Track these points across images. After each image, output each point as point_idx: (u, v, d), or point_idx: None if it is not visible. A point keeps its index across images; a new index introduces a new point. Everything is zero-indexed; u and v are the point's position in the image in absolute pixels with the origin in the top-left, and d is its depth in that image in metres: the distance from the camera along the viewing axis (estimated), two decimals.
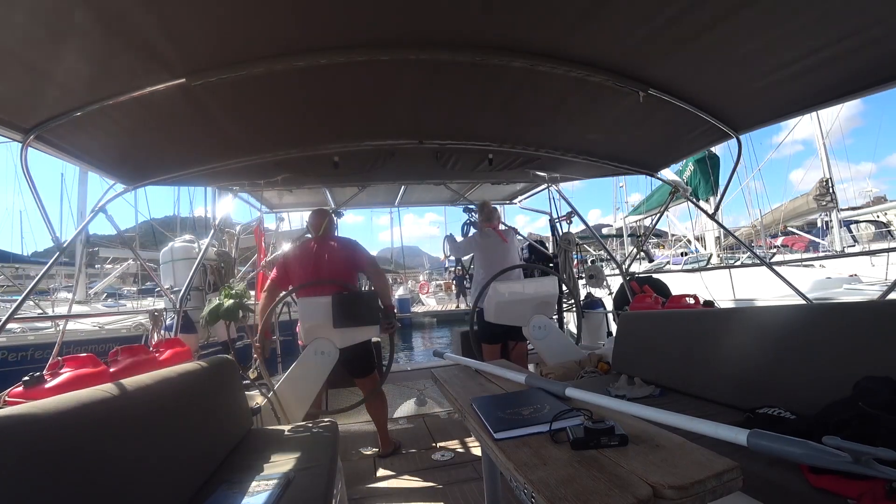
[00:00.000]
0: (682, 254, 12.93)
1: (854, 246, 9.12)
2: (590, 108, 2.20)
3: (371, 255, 2.81)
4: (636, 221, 13.02)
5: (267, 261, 4.23)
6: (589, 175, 3.79)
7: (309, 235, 2.93)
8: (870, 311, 1.55)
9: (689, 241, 12.26)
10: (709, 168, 8.91)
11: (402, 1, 1.32)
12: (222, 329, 2.49)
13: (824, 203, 8.84)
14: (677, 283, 4.80)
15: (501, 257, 3.23)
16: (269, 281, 2.73)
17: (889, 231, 9.72)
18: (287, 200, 4.32)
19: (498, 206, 4.85)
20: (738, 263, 9.03)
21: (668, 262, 11.93)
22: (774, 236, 11.44)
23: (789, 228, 10.53)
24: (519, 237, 4.30)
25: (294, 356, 2.57)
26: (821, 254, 8.82)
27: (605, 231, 16.03)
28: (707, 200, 8.94)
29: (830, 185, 8.94)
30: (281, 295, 2.71)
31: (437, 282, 28.56)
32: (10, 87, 1.50)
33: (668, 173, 4.10)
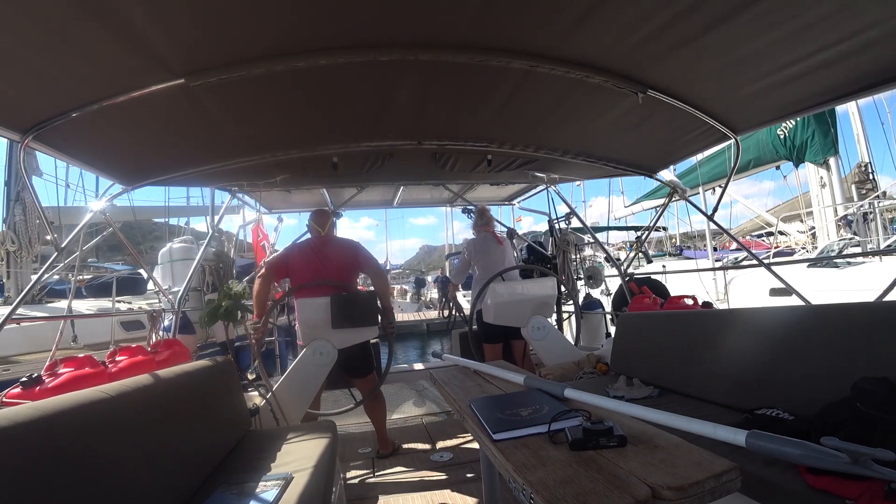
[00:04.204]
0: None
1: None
2: (588, 110, 2.20)
3: (374, 257, 2.83)
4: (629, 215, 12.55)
5: (266, 260, 4.23)
6: (588, 176, 3.80)
7: (310, 235, 2.93)
8: (866, 313, 1.55)
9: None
10: (826, 117, 6.66)
11: (401, 2, 1.32)
12: (221, 330, 2.49)
13: (864, 191, 7.24)
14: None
15: (500, 259, 3.29)
16: (266, 266, 2.74)
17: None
18: (285, 201, 4.32)
19: (497, 207, 4.87)
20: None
21: (750, 256, 8.77)
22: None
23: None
24: (517, 236, 4.30)
25: (292, 357, 2.57)
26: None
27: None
28: (824, 163, 7.03)
29: (871, 169, 7.39)
30: (281, 293, 2.71)
31: None
32: (7, 86, 1.49)
33: (666, 174, 4.10)
